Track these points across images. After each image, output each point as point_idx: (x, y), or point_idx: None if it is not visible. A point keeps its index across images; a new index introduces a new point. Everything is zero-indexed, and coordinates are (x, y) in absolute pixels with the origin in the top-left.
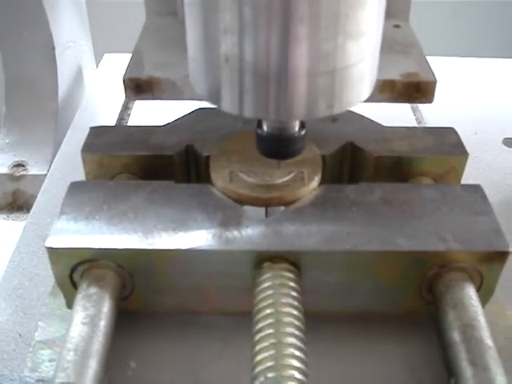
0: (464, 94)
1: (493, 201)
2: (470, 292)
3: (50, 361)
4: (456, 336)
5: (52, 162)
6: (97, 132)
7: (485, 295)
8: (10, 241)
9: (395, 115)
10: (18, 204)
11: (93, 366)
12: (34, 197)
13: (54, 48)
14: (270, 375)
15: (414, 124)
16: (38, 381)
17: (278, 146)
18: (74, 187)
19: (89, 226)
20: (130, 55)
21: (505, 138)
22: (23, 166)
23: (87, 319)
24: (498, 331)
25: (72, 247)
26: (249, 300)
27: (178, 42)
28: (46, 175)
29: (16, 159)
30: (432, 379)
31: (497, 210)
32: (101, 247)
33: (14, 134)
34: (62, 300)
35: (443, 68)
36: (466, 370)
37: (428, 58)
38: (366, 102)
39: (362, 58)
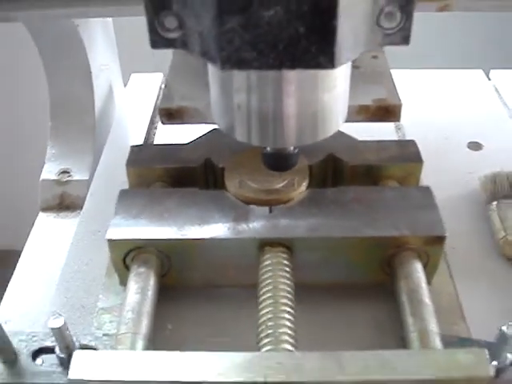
0: (437, 102)
1: (453, 194)
2: (417, 267)
3: (110, 322)
4: (404, 298)
5: (91, 169)
6: (137, 150)
7: (431, 269)
8: (61, 235)
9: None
10: (65, 205)
11: (144, 321)
12: (79, 198)
13: (90, 72)
14: (269, 324)
15: (393, 129)
16: (103, 335)
17: (279, 162)
18: (123, 194)
19: (137, 223)
20: (154, 75)
21: (469, 142)
22: (68, 172)
23: (139, 290)
24: (441, 297)
25: (125, 238)
26: (255, 274)
27: (201, 75)
28: (87, 180)
29: (62, 167)
30: (392, 333)
31: (455, 201)
32: (146, 238)
33: (59, 146)
34: (115, 279)
35: (418, 79)
36: (409, 320)
37: (405, 70)
38: (347, 122)
39: (337, 102)
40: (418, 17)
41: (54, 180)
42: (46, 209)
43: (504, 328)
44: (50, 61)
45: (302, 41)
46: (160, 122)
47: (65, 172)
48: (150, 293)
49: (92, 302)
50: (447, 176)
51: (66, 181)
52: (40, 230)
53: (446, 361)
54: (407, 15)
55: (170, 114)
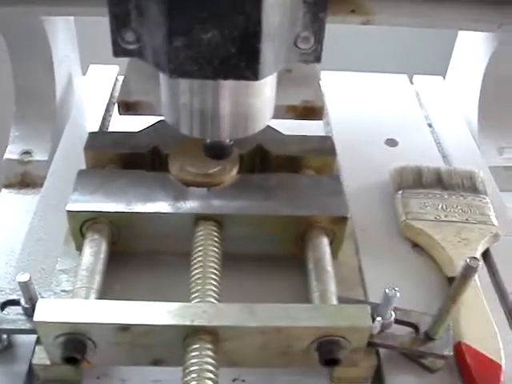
0: (362, 102)
1: (367, 184)
2: (324, 241)
3: (67, 281)
4: (311, 266)
5: (51, 151)
6: (94, 136)
7: (337, 245)
8: (22, 209)
9: None
10: (26, 182)
11: (97, 278)
12: (39, 177)
13: (52, 62)
14: (198, 281)
15: (322, 125)
16: (61, 291)
17: (216, 151)
18: (81, 173)
19: (92, 198)
20: (110, 67)
21: (387, 139)
22: (29, 153)
23: (93, 253)
24: (346, 268)
25: (82, 210)
26: (191, 244)
27: (154, 72)
28: (47, 161)
29: (24, 148)
30: (302, 294)
31: (368, 190)
32: (100, 210)
33: (22, 129)
34: (72, 245)
35: (348, 81)
36: (312, 284)
37: (339, 72)
38: (276, 118)
39: (264, 104)
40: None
41: (16, 160)
42: (8, 186)
43: (387, 290)
44: (15, 51)
45: (233, 58)
46: (116, 111)
47: (26, 153)
48: (102, 256)
49: (51, 266)
50: (364, 168)
51: (28, 161)
52: (2, 204)
53: (335, 313)
54: (319, 40)
55: (126, 106)
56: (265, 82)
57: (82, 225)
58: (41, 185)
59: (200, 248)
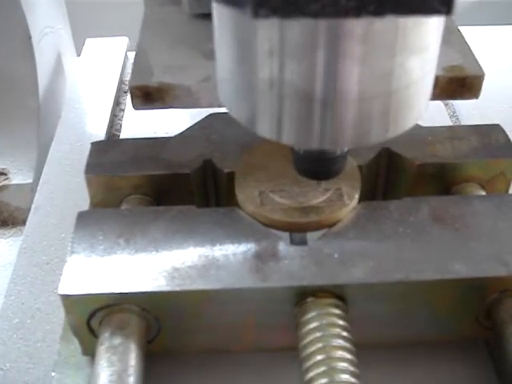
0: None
1: None
2: None
3: None
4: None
5: (36, 169)
6: (100, 148)
7: None
8: None
9: None
10: (2, 219)
11: None
12: (20, 209)
13: (30, 37)
14: None
15: (444, 112)
16: None
17: (318, 166)
18: (83, 218)
19: (106, 265)
20: (116, 39)
21: None
22: (5, 174)
23: (114, 376)
24: None
25: (89, 293)
26: (287, 336)
27: (188, 38)
28: (31, 184)
29: None
30: None
31: None
32: (122, 291)
33: None
34: (76, 345)
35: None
36: None
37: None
38: None
39: (423, 76)
40: None
41: None
42: None
43: None
44: None
45: None
46: (130, 104)
47: (1, 174)
48: (132, 379)
49: (41, 377)
50: None
51: (3, 186)
52: None
53: None
54: None
55: (147, 95)
56: (433, 24)
57: (91, 316)
58: (24, 222)
59: (320, 357)
